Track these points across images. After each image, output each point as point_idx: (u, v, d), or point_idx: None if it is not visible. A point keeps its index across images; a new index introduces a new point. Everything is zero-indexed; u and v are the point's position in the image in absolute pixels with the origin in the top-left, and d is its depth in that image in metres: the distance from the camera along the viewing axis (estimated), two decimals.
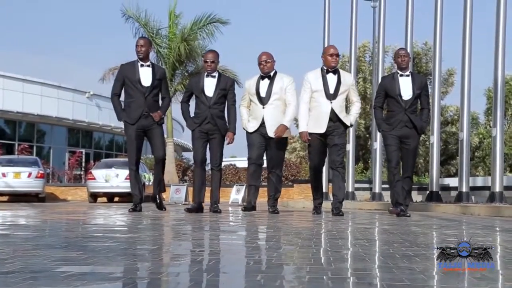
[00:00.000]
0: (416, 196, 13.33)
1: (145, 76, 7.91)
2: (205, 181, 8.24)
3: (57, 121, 34.56)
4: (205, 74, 8.04)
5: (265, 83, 8.05)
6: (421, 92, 7.67)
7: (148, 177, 20.37)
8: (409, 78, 7.67)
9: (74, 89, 35.81)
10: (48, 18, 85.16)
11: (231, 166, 25.44)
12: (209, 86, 7.96)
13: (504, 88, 11.43)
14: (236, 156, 43.57)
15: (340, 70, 8.01)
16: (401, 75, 7.69)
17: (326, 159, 8.47)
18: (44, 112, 33.36)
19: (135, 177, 8.16)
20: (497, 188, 10.74)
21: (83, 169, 30.83)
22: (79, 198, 21.99)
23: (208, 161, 8.24)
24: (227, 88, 8.00)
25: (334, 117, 7.70)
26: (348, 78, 8.03)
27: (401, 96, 7.57)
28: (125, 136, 8.39)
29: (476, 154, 29.14)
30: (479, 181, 17.38)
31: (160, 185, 8.45)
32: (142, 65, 7.95)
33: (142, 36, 8.02)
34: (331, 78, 7.77)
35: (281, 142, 8.14)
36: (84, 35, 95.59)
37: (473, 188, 13.28)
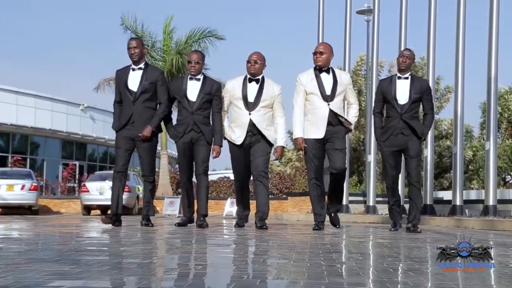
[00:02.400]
0: None
1: (134, 80, 7.27)
2: (193, 195, 7.63)
3: (51, 133, 34.52)
4: (189, 77, 7.33)
5: (253, 87, 7.25)
6: (421, 96, 7.10)
7: (142, 189, 20.29)
8: (408, 81, 7.11)
9: (68, 101, 35.81)
10: (42, 30, 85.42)
11: (225, 179, 25.41)
12: (193, 90, 7.24)
13: (496, 101, 11.48)
14: (229, 168, 43.61)
15: (335, 69, 7.41)
16: (399, 78, 7.14)
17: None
18: (38, 125, 33.34)
19: (115, 187, 7.34)
20: (491, 202, 10.75)
21: (76, 181, 30.76)
22: (72, 211, 21.91)
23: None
24: (212, 92, 7.24)
25: (333, 120, 7.09)
26: (344, 77, 7.36)
27: (396, 100, 7.05)
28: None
29: (470, 167, 29.20)
30: (473, 195, 17.41)
31: (149, 207, 7.59)
32: (133, 69, 7.32)
33: (133, 37, 6.86)
34: (326, 78, 7.14)
35: (265, 146, 7.31)
36: (78, 47, 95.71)
37: (467, 202, 13.30)
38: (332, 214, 7.59)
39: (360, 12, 22.98)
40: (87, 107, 36.16)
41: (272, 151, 7.48)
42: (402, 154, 7.25)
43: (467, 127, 29.08)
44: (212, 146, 7.31)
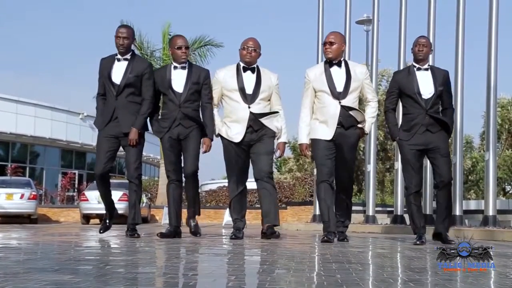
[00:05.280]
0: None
1: (118, 72, 6.55)
2: (181, 201, 6.83)
3: (50, 142, 34.54)
4: (173, 66, 6.59)
5: (249, 77, 6.50)
6: (443, 88, 6.24)
7: (141, 199, 20.24)
8: (429, 73, 6.23)
9: (67, 110, 35.87)
10: (42, 39, 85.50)
11: (224, 188, 25.37)
12: (178, 79, 6.50)
13: (496, 111, 11.49)
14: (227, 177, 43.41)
15: (349, 62, 6.55)
16: (419, 69, 6.23)
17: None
18: (38, 133, 33.37)
19: (104, 194, 6.83)
20: (491, 212, 10.73)
21: (76, 190, 30.72)
22: (71, 220, 21.88)
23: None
24: (200, 81, 6.50)
25: (346, 122, 6.23)
26: (359, 70, 6.43)
27: (420, 95, 6.12)
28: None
29: (469, 177, 29.19)
30: (472, 205, 17.38)
31: (135, 213, 6.74)
32: (119, 59, 6.59)
33: (124, 24, 5.83)
34: (337, 72, 6.30)
35: (268, 143, 6.53)
36: (77, 56, 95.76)
37: (467, 212, 13.28)
38: (339, 237, 6.48)
39: (360, 22, 23.06)
40: (86, 116, 36.16)
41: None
42: (427, 155, 6.28)
43: (467, 138, 29.07)
44: (202, 140, 6.59)
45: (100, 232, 7.09)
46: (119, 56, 6.61)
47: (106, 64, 6.64)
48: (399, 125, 6.42)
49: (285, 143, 6.71)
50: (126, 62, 6.57)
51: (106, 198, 6.92)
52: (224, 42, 29.46)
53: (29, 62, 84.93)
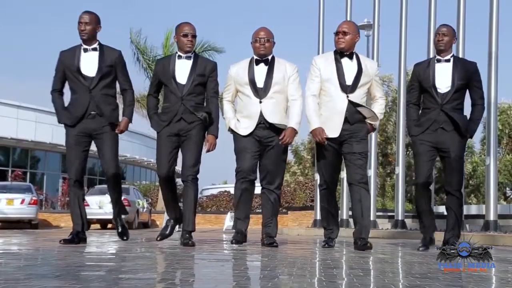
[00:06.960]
0: (411, 224, 13.34)
1: (88, 63, 6.05)
2: (177, 198, 6.44)
3: (51, 147, 34.53)
4: (177, 55, 6.08)
5: (261, 69, 6.12)
6: (467, 83, 5.81)
7: (142, 204, 20.24)
8: (450, 65, 5.81)
9: None
10: (43, 43, 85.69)
11: (225, 193, 25.36)
12: (182, 70, 5.99)
13: (497, 116, 11.49)
14: (227, 181, 43.47)
15: (361, 56, 6.07)
16: (439, 60, 5.85)
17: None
18: (38, 138, 33.35)
19: (73, 198, 6.32)
20: (492, 217, 10.72)
21: None
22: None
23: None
24: (206, 73, 6.01)
25: (352, 118, 5.79)
26: (370, 65, 6.03)
27: (435, 88, 5.76)
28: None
29: (470, 182, 29.18)
30: (473, 210, 17.39)
31: (118, 207, 6.72)
32: (85, 50, 6.08)
33: (88, 10, 5.53)
34: (348, 64, 5.88)
35: (282, 149, 6.17)
36: None
37: (468, 216, 13.27)
38: (359, 243, 5.98)
39: (360, 27, 23.07)
40: None
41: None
42: (439, 155, 5.96)
43: (468, 142, 29.06)
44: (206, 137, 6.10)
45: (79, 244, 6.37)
46: (85, 46, 6.10)
47: (69, 56, 6.11)
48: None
49: (293, 129, 6.04)
50: (96, 53, 6.10)
51: (80, 209, 6.40)
52: (226, 47, 29.60)
53: (30, 67, 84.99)
